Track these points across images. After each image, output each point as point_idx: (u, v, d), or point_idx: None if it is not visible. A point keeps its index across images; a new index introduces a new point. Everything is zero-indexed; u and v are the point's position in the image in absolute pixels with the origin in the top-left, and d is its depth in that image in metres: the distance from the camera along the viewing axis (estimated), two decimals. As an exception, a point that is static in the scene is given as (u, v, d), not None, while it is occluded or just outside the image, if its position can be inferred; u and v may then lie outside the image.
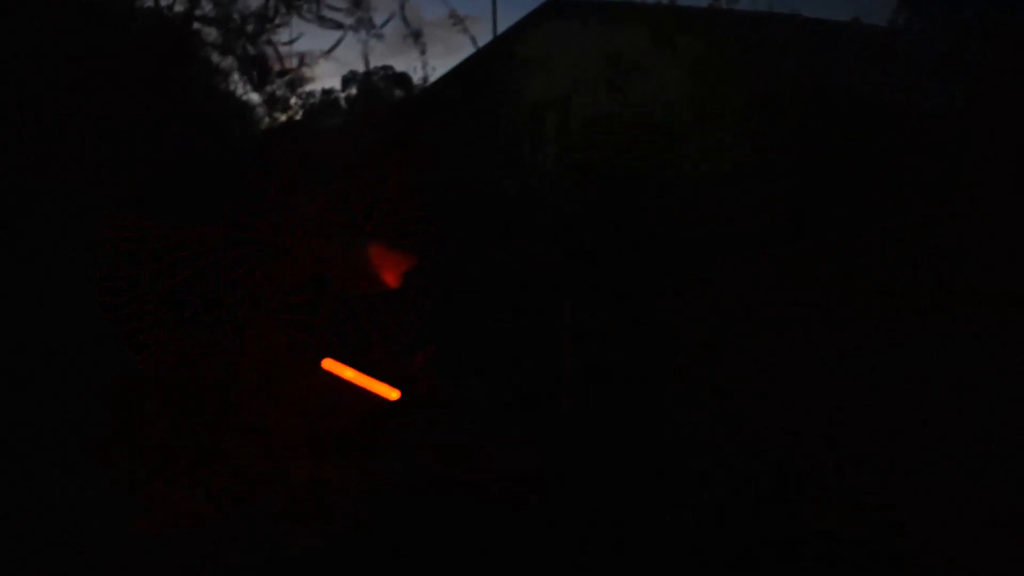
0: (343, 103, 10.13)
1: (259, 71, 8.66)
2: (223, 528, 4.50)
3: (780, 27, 6.48)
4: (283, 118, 9.03)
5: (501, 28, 8.90)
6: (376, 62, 10.39)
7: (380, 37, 9.24)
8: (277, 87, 8.88)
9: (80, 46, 6.35)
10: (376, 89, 9.81)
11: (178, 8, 8.00)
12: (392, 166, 5.41)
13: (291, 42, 8.91)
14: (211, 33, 8.36)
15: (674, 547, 4.33)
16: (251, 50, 8.54)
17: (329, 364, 5.11)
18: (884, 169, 4.94)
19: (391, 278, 5.25)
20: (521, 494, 4.91)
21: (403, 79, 9.64)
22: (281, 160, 5.08)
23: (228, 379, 5.09)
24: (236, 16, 8.36)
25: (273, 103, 8.88)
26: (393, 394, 5.10)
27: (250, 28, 8.41)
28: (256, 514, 4.63)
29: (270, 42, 8.66)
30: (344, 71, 10.57)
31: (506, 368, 6.18)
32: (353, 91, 10.14)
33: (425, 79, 8.85)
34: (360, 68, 10.03)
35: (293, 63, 8.94)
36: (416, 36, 8.66)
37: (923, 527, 4.22)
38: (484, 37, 8.41)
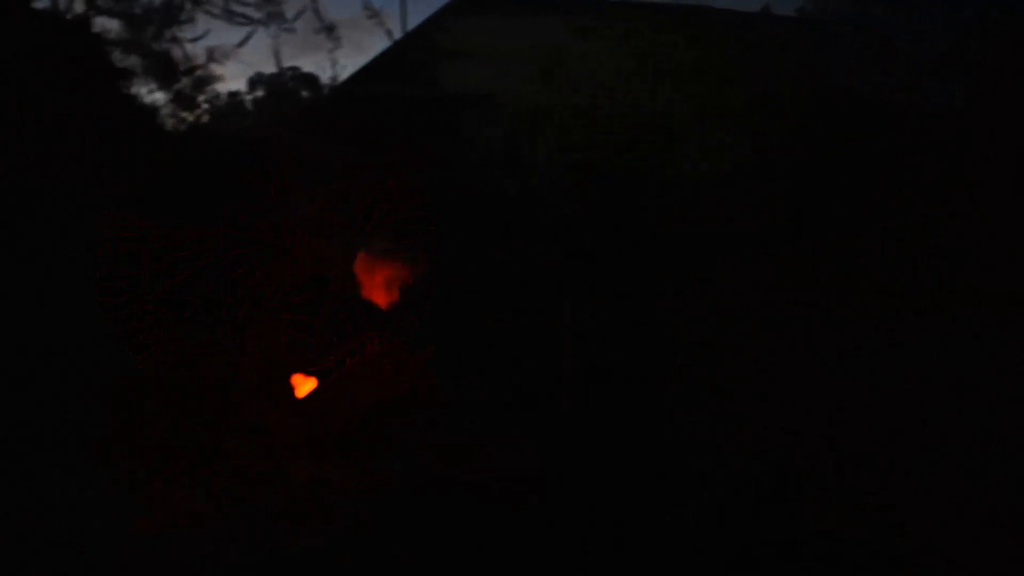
0: (249, 105, 9.67)
1: (165, 68, 8.24)
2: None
3: (707, 20, 6.49)
4: (190, 118, 8.75)
5: (410, 23, 8.71)
6: (283, 63, 10.02)
7: (292, 31, 8.96)
8: (184, 85, 8.44)
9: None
10: (285, 90, 9.60)
11: (77, 8, 7.69)
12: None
13: (197, 39, 8.46)
14: (112, 29, 7.88)
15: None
16: (155, 47, 8.13)
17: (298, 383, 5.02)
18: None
19: (391, 280, 5.25)
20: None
21: (311, 79, 9.47)
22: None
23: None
24: (138, 11, 7.97)
25: (180, 102, 8.42)
26: (308, 384, 5.03)
27: (154, 23, 7.99)
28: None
29: (175, 39, 8.27)
30: (250, 73, 9.95)
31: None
32: (260, 93, 9.80)
33: (335, 78, 8.66)
34: (266, 70, 9.73)
35: (200, 60, 8.49)
36: (330, 30, 8.44)
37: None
38: (394, 33, 8.20)
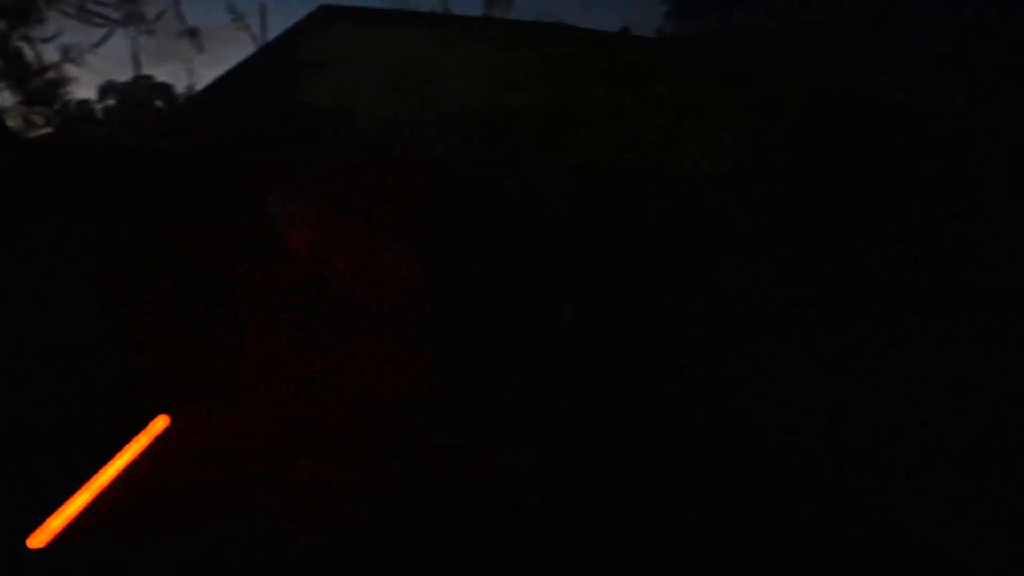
0: (100, 114, 9.04)
1: (15, 68, 7.64)
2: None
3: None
4: (41, 122, 8.00)
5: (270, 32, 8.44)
6: (136, 72, 9.50)
7: (152, 34, 8.52)
8: (35, 87, 7.86)
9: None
10: (139, 99, 9.05)
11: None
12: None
13: (49, 39, 7.89)
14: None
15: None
16: (3, 46, 7.55)
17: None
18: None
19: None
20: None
21: (166, 88, 9.13)
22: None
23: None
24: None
25: (32, 104, 7.83)
26: (159, 423, 4.84)
27: (2, 20, 7.40)
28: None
29: (27, 37, 7.68)
30: (100, 80, 9.31)
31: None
32: (111, 101, 9.10)
33: (191, 87, 8.38)
34: (117, 77, 9.05)
35: (53, 61, 7.94)
36: (192, 34, 8.13)
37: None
38: (250, 44, 7.90)
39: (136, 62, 8.55)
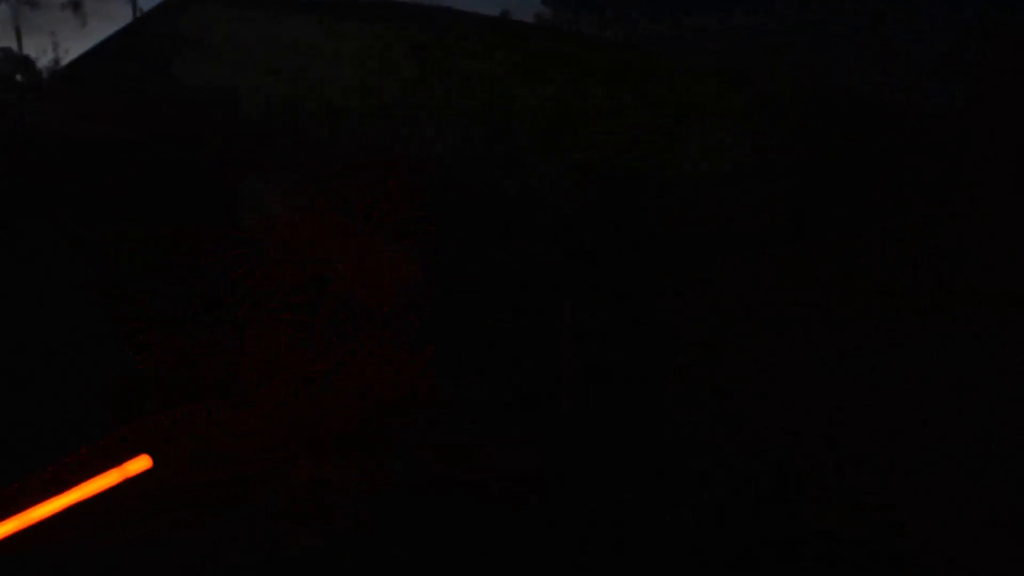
0: None
1: None
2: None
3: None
4: None
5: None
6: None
7: (34, 6, 8.22)
8: None
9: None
10: None
11: None
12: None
13: None
14: None
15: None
16: None
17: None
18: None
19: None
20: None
21: (27, 62, 8.70)
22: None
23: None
24: None
25: None
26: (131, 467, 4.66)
27: None
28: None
29: None
30: None
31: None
32: None
33: (57, 61, 8.09)
34: None
35: None
36: (75, 6, 7.93)
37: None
38: (123, 18, 7.63)
39: (19, 31, 8.20)
